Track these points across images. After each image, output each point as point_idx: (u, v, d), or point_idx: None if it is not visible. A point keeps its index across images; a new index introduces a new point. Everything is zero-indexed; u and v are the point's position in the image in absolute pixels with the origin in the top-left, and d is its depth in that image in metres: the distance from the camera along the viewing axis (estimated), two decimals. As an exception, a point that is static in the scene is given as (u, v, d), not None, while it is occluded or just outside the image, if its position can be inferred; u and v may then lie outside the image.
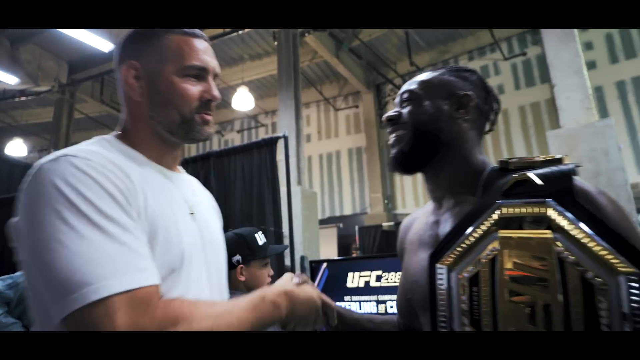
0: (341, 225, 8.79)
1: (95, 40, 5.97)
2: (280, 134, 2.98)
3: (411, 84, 0.86)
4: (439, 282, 0.66)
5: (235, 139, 10.95)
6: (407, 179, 8.76)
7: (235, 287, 1.41)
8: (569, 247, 0.56)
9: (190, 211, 0.79)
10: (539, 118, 7.41)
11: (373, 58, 8.29)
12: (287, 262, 2.74)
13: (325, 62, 8.51)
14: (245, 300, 0.66)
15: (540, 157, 0.69)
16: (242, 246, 1.43)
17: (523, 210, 0.61)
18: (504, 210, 0.62)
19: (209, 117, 0.79)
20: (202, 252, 0.78)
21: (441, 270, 0.67)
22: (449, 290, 0.65)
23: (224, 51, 8.47)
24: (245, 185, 2.91)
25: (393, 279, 1.78)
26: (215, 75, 0.80)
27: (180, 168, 0.88)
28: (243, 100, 7.66)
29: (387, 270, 1.79)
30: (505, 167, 0.71)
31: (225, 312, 0.62)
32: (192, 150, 11.49)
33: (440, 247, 0.69)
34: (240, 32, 6.96)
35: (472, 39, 8.21)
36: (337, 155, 9.70)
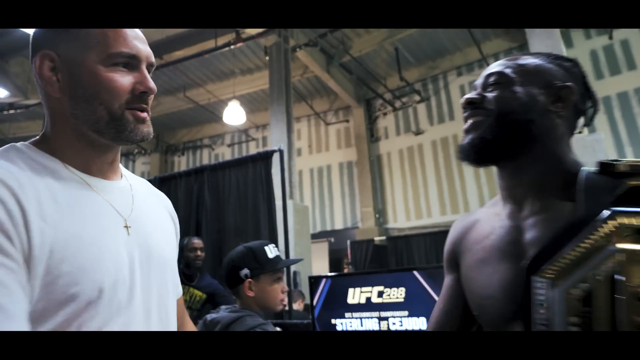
0: (332, 239, 8.73)
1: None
2: (275, 148, 2.95)
3: (501, 66, 0.75)
4: (538, 297, 0.57)
5: (225, 153, 10.89)
6: (398, 194, 8.78)
7: (246, 305, 1.35)
8: None
9: (124, 224, 0.68)
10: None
11: (363, 73, 8.37)
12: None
13: (316, 76, 8.56)
14: None
15: (636, 161, 0.60)
16: (250, 259, 1.36)
17: None
18: (620, 220, 0.53)
19: (143, 114, 0.68)
20: (138, 271, 0.68)
21: (541, 284, 0.58)
22: (550, 308, 0.56)
23: (215, 66, 8.48)
24: (240, 199, 2.87)
25: (395, 295, 1.74)
26: (151, 65, 0.70)
27: (123, 173, 0.77)
28: (234, 115, 7.65)
29: (389, 286, 1.75)
30: (609, 170, 0.61)
31: None
32: (182, 164, 11.39)
33: (538, 258, 0.59)
34: (232, 46, 6.97)
35: (460, 55, 8.36)
36: (327, 169, 9.69)
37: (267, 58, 7.15)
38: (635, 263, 0.51)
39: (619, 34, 7.06)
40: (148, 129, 0.69)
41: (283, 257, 1.55)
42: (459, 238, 0.83)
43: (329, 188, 9.57)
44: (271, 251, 1.41)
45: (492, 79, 0.74)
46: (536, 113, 0.70)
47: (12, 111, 8.73)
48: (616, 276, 0.51)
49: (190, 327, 0.94)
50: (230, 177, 2.94)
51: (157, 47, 7.46)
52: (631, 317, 0.50)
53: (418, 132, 8.80)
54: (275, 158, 2.94)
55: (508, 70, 0.73)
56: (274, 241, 2.67)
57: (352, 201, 9.27)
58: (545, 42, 4.88)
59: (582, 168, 0.67)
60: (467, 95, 0.75)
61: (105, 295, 0.60)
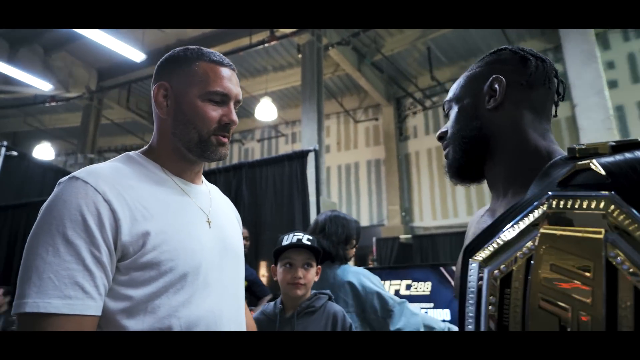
0: (358, 236, 8.84)
1: (125, 49, 6.23)
2: (309, 147, 3.11)
3: (448, 94, 0.80)
4: (470, 280, 0.59)
5: (255, 148, 11.16)
6: (425, 193, 8.81)
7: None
8: (627, 251, 0.45)
9: (207, 219, 0.85)
10: (559, 136, 7.41)
11: (394, 72, 8.42)
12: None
13: (347, 74, 8.67)
14: None
15: (613, 142, 0.56)
16: (275, 247, 1.48)
17: (577, 204, 0.50)
18: (554, 203, 0.52)
19: (224, 140, 0.84)
20: (218, 259, 0.83)
21: (473, 267, 0.59)
22: (479, 289, 0.57)
23: (249, 62, 8.71)
24: (277, 196, 3.05)
25: (422, 288, 1.87)
26: (237, 102, 0.86)
27: (204, 180, 0.94)
28: (266, 111, 7.85)
29: (417, 280, 1.88)
30: (572, 155, 0.59)
31: None
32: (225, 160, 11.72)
33: (476, 241, 0.60)
34: (266, 44, 7.17)
35: (493, 56, 8.28)
36: (355, 166, 9.80)
37: (300, 56, 7.31)
38: (546, 245, 0.51)
39: (661, 36, 6.85)
40: (226, 151, 0.86)
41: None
42: (467, 234, 0.85)
43: (356, 185, 9.69)
44: (287, 239, 1.45)
45: (445, 110, 0.81)
46: (479, 118, 0.72)
47: (53, 103, 9.23)
48: (532, 256, 0.52)
49: (247, 312, 1.10)
50: (267, 173, 3.12)
51: (194, 43, 7.71)
52: (535, 301, 0.50)
53: (447, 132, 8.79)
54: (309, 156, 3.11)
55: (448, 97, 0.79)
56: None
57: (378, 199, 9.37)
58: (580, 45, 4.84)
59: (557, 154, 0.65)
60: (438, 132, 0.81)
61: (192, 273, 0.76)
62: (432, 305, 1.83)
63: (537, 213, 0.54)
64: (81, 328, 0.65)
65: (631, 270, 0.44)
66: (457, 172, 0.76)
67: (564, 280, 0.48)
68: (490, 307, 0.55)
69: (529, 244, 0.53)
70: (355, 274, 1.76)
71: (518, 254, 0.54)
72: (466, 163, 0.74)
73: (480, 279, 0.58)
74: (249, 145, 11.34)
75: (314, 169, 3.05)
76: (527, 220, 0.55)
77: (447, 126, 0.78)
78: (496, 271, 0.56)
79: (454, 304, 1.87)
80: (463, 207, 8.30)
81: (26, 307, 0.63)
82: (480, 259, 0.58)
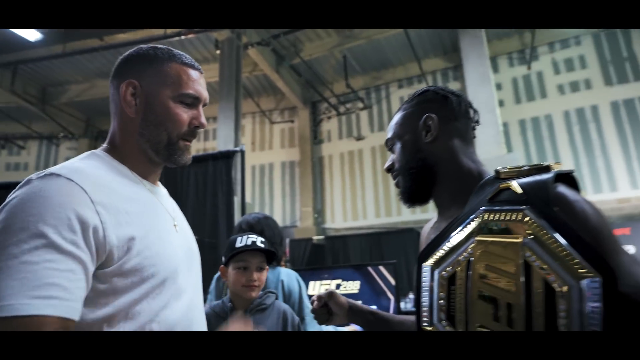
0: (270, 236, 8.86)
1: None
2: (228, 146, 3.08)
3: (387, 132, 0.94)
4: (423, 280, 0.72)
5: (163, 144, 10.56)
6: (337, 195, 9.16)
7: (230, 291, 1.46)
8: (537, 252, 0.59)
9: (173, 223, 0.84)
10: (455, 146, 8.24)
11: (311, 76, 8.62)
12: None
13: (264, 75, 8.65)
14: None
15: (527, 166, 0.71)
16: (227, 248, 1.47)
17: (502, 216, 0.64)
18: (486, 216, 0.66)
19: (190, 144, 0.84)
20: (187, 263, 0.83)
21: (426, 269, 0.72)
22: (431, 288, 0.70)
23: (161, 53, 8.23)
24: (199, 196, 2.95)
25: (351, 287, 1.99)
26: (204, 104, 0.85)
27: (159, 183, 0.92)
28: (179, 106, 7.50)
29: (346, 279, 1.99)
30: (498, 176, 0.73)
31: None
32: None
33: (427, 249, 0.74)
34: (182, 37, 6.86)
35: (402, 69, 8.93)
36: (270, 167, 9.82)
37: (219, 52, 7.13)
38: (481, 249, 0.64)
39: (536, 65, 8.02)
40: (190, 156, 0.85)
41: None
42: (421, 242, 0.98)
43: (270, 186, 9.70)
44: (242, 240, 1.45)
45: (388, 147, 0.94)
46: (421, 151, 0.85)
47: None
48: (471, 259, 0.65)
49: None
50: (189, 172, 3.01)
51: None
52: (474, 294, 0.63)
53: (359, 138, 9.25)
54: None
55: (390, 135, 0.92)
56: (218, 236, 2.76)
57: (292, 200, 9.49)
58: (478, 68, 5.45)
59: (486, 174, 0.80)
60: (385, 165, 0.94)
61: (170, 278, 0.75)
62: (360, 302, 1.95)
63: (473, 224, 0.68)
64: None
65: (541, 266, 0.58)
66: (410, 198, 0.89)
67: (494, 276, 0.62)
68: (440, 301, 0.68)
69: (469, 249, 0.67)
70: (288, 275, 1.82)
71: (460, 257, 0.68)
72: (416, 189, 0.87)
73: (432, 279, 0.71)
74: (156, 140, 10.69)
75: (239, 170, 3.03)
76: (467, 230, 0.69)
77: (393, 159, 0.91)
78: (444, 272, 0.70)
79: (381, 300, 2.02)
80: (372, 210, 8.79)
81: (3, 311, 0.56)
82: (431, 263, 0.72)
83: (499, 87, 8.03)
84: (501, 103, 7.85)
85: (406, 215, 8.27)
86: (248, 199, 9.39)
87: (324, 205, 9.29)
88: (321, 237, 8.03)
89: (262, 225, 1.83)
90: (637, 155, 7.08)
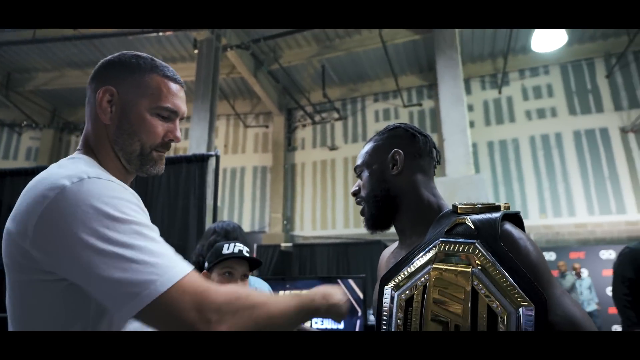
0: (237, 241, 8.75)
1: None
2: (201, 148, 3.03)
3: (357, 159, 0.99)
4: (384, 301, 0.78)
5: (133, 140, 10.27)
6: (307, 203, 9.16)
7: None
8: (484, 281, 0.69)
9: None
10: (426, 162, 8.45)
11: (289, 83, 8.64)
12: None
13: (242, 78, 8.60)
14: (287, 295, 0.76)
15: (480, 204, 0.81)
16: (211, 254, 1.47)
17: (456, 247, 0.74)
18: (442, 247, 0.75)
19: (163, 155, 0.85)
20: None
21: (387, 291, 0.79)
22: (390, 308, 0.77)
23: (136, 48, 8.03)
24: (170, 199, 2.88)
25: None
26: (182, 118, 0.86)
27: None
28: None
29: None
30: (455, 210, 0.83)
31: (273, 297, 0.70)
32: (80, 145, 10.43)
33: (389, 273, 0.81)
34: (160, 33, 6.73)
35: (379, 83, 9.09)
36: (241, 171, 9.72)
37: (197, 52, 7.04)
38: (436, 276, 0.72)
39: (506, 90, 8.36)
40: (163, 166, 0.86)
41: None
42: (380, 266, 1.05)
43: (240, 190, 9.60)
44: (229, 247, 1.46)
45: (357, 173, 0.99)
46: (387, 183, 0.92)
47: None
48: (427, 284, 0.74)
49: None
50: (161, 175, 2.94)
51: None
52: (428, 315, 0.71)
53: (333, 148, 9.32)
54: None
55: (359, 162, 0.98)
56: (188, 239, 2.72)
57: (262, 206, 9.42)
58: (451, 88, 5.61)
59: (444, 207, 0.88)
60: (352, 190, 0.99)
61: None
62: (329, 315, 1.98)
63: (431, 253, 0.77)
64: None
65: (486, 294, 0.69)
66: (374, 224, 0.95)
67: (446, 301, 0.71)
68: (398, 321, 0.76)
69: (425, 275, 0.75)
70: (260, 284, 1.81)
71: (418, 282, 0.76)
72: (379, 217, 0.93)
73: (392, 300, 0.78)
74: (125, 136, 10.38)
75: (211, 173, 2.99)
76: (425, 258, 0.77)
77: (359, 185, 0.97)
78: (403, 295, 0.76)
79: (350, 314, 2.02)
80: (341, 220, 8.85)
81: (176, 277, 0.63)
82: (392, 285, 0.80)
83: (470, 108, 8.30)
84: (472, 124, 8.12)
85: (374, 227, 8.36)
86: (218, 202, 9.24)
87: (294, 213, 9.27)
88: (289, 244, 7.99)
89: (237, 233, 1.82)
90: (594, 183, 7.48)
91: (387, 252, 1.04)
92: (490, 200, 7.68)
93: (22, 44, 7.41)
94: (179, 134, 0.84)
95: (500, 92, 8.35)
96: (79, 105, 10.34)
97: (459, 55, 5.88)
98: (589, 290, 6.22)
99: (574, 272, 6.43)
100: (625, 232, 6.98)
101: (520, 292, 0.67)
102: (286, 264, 7.47)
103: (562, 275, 6.32)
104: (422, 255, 0.77)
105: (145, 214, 0.71)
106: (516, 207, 7.62)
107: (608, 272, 6.49)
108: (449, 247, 0.75)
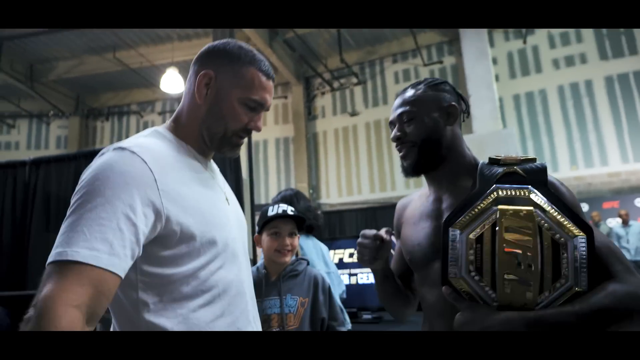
0: (266, 213, 8.93)
1: None
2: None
3: (406, 104, 1.01)
4: (451, 240, 0.84)
5: (156, 121, 10.43)
6: (332, 171, 9.21)
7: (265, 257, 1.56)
8: (544, 218, 0.80)
9: (225, 197, 0.93)
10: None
11: (305, 51, 8.51)
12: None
13: (257, 49, 8.47)
14: None
15: (519, 156, 0.92)
16: (260, 218, 1.56)
17: (513, 192, 0.85)
18: (500, 192, 0.85)
19: (242, 141, 0.92)
20: (238, 233, 0.93)
21: (454, 232, 0.85)
22: (460, 246, 0.83)
23: (151, 28, 8.04)
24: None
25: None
26: (266, 110, 0.93)
27: (212, 160, 1.00)
28: (172, 82, 7.40)
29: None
30: (495, 162, 0.93)
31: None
32: (106, 130, 10.69)
33: (452, 215, 0.87)
34: (174, 11, 6.69)
35: (397, 44, 8.85)
36: (264, 144, 9.79)
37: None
38: (504, 216, 0.81)
39: (532, 39, 8.01)
40: (239, 151, 0.94)
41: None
42: (399, 214, 1.14)
43: (264, 163, 9.71)
44: (273, 209, 1.55)
45: (405, 117, 1.01)
46: (441, 132, 0.98)
47: None
48: (495, 223, 0.82)
49: None
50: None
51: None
52: (502, 248, 0.79)
53: (353, 114, 9.24)
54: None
55: (411, 107, 1.00)
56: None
57: (287, 176, 9.53)
58: (475, 42, 5.43)
59: (478, 161, 0.97)
60: (393, 134, 1.02)
61: (225, 243, 0.85)
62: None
63: (491, 197, 0.86)
64: (103, 284, 0.66)
65: (547, 227, 0.80)
66: (418, 169, 1.01)
67: (516, 235, 0.80)
68: (470, 257, 0.83)
69: (492, 216, 0.83)
70: (322, 244, 2.10)
71: (485, 222, 0.83)
72: (426, 163, 1.00)
73: (459, 240, 0.84)
74: (148, 118, 10.56)
75: (245, 147, 3.04)
76: (486, 202, 0.86)
77: (408, 131, 1.00)
78: (472, 234, 0.84)
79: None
80: (367, 185, 8.88)
81: (57, 255, 0.65)
82: (459, 226, 0.86)
83: (494, 61, 8.01)
84: (496, 78, 7.86)
85: (400, 189, 8.38)
86: (244, 175, 9.40)
87: (319, 181, 9.35)
88: (318, 212, 8.11)
89: (301, 197, 2.01)
90: (628, 130, 7.21)
91: (407, 202, 1.13)
92: (519, 154, 7.52)
93: (40, 35, 7.51)
94: (260, 124, 0.91)
95: (525, 42, 8.01)
96: (101, 91, 10.51)
97: (481, 6, 5.65)
98: (637, 237, 5.99)
99: (620, 220, 6.27)
100: (662, 178, 6.77)
101: (573, 224, 0.79)
102: (316, 230, 7.60)
103: (596, 225, 6.23)
104: (483, 200, 0.85)
105: (127, 194, 0.70)
106: (546, 160, 7.46)
107: (645, 220, 6.36)
108: (507, 192, 0.84)
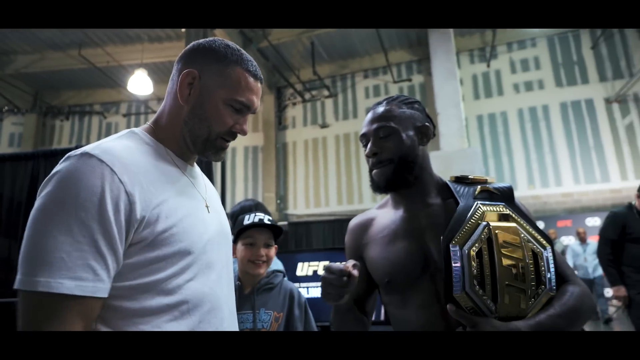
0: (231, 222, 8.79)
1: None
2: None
3: (383, 119, 1.00)
4: (454, 257, 0.86)
5: (120, 123, 10.09)
6: (300, 182, 9.21)
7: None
8: (522, 231, 0.90)
9: (205, 204, 0.87)
10: (417, 137, 8.53)
11: (278, 61, 8.54)
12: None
13: (230, 57, 8.45)
14: None
15: (478, 177, 1.02)
16: (235, 226, 1.49)
17: (494, 208, 0.93)
18: (483, 207, 0.92)
19: (227, 144, 0.86)
20: (217, 242, 0.85)
21: (454, 248, 0.87)
22: (463, 262, 0.85)
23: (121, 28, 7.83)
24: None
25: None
26: (252, 113, 0.88)
27: (195, 164, 0.94)
28: (140, 84, 7.22)
29: (333, 261, 2.05)
30: (461, 180, 1.01)
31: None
32: (66, 129, 10.22)
33: (449, 233, 0.88)
34: (146, 12, 6.55)
35: (369, 59, 9.05)
36: (232, 152, 9.68)
37: (184, 30, 6.89)
38: (498, 231, 0.87)
39: (495, 64, 8.42)
40: (224, 155, 0.87)
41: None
42: (359, 234, 1.08)
43: (232, 171, 9.58)
44: (249, 217, 1.49)
45: (381, 133, 1.00)
46: (416, 150, 1.00)
47: None
48: (490, 238, 0.88)
49: None
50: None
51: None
52: (500, 259, 0.85)
53: (324, 125, 9.32)
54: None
55: (391, 124, 1.00)
56: None
57: (254, 185, 9.44)
58: (444, 63, 5.65)
59: (446, 180, 1.04)
60: (369, 149, 1.00)
61: (198, 253, 0.78)
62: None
63: (478, 214, 0.91)
64: (90, 310, 0.64)
65: (526, 240, 0.89)
66: (391, 186, 1.00)
67: (509, 249, 0.87)
68: (473, 270, 0.86)
69: (485, 230, 0.88)
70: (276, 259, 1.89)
71: (481, 237, 0.88)
72: (400, 180, 1.00)
73: (461, 256, 0.87)
74: (112, 119, 10.20)
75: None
76: (475, 218, 0.91)
77: (385, 146, 0.99)
78: (473, 248, 0.87)
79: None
80: (334, 197, 8.94)
81: (38, 285, 0.61)
82: (458, 243, 0.89)
83: (460, 82, 8.36)
84: (462, 98, 8.19)
85: (367, 202, 8.49)
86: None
87: (287, 192, 9.32)
88: (284, 222, 8.06)
89: (261, 209, 1.89)
90: (580, 154, 7.69)
91: (368, 221, 1.08)
92: (481, 173, 7.83)
93: None
94: (246, 127, 0.86)
95: (488, 66, 8.42)
96: (62, 88, 10.07)
97: (452, 29, 5.90)
98: (594, 256, 6.12)
99: (575, 238, 6.55)
100: (609, 199, 7.24)
101: (541, 237, 0.90)
102: (282, 241, 7.54)
103: (553, 241, 6.54)
104: (471, 216, 0.90)
105: (100, 213, 0.66)
106: (505, 178, 7.81)
107: (594, 238, 6.76)
108: (489, 208, 0.92)
